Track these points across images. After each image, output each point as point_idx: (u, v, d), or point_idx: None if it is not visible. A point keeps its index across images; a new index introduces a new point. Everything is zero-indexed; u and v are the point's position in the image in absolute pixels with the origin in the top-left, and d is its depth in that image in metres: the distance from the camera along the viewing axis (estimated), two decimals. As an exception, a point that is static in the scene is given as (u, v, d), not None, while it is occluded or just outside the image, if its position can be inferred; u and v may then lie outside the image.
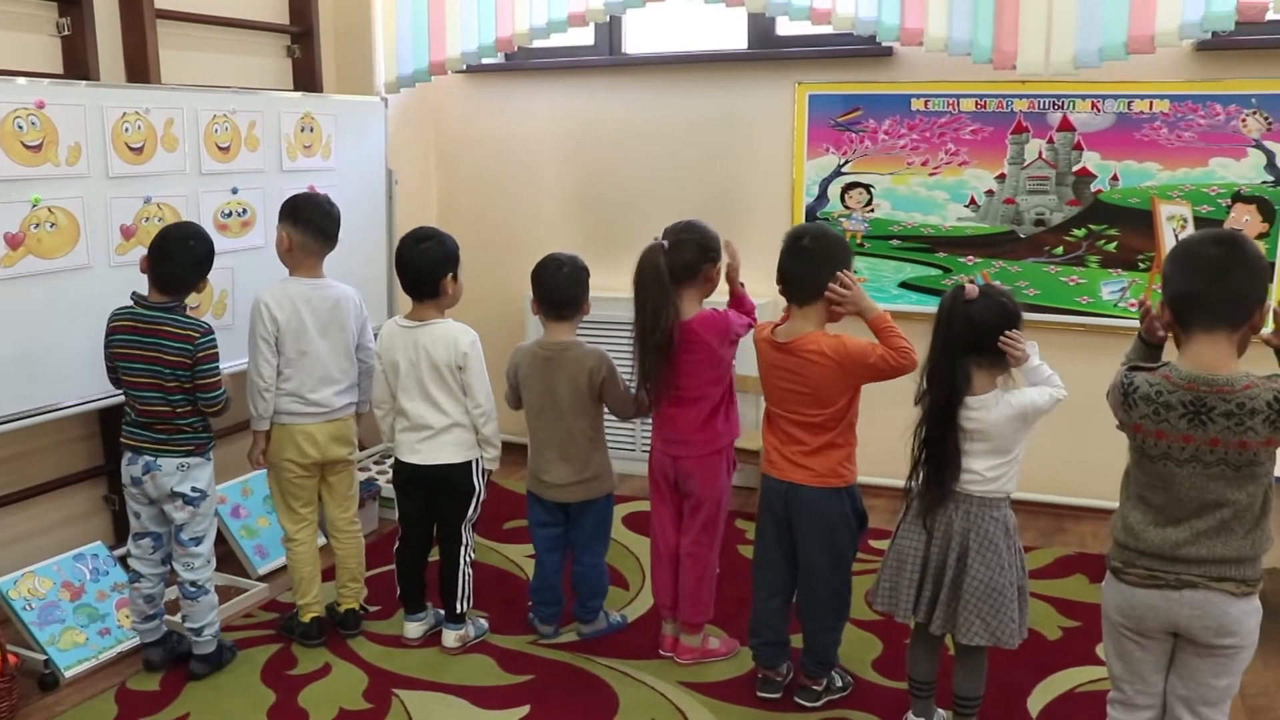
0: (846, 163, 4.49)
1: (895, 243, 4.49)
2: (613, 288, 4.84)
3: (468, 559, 3.28)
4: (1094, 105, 4.14)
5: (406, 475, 3.26)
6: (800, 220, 4.59)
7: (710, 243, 3.03)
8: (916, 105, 4.36)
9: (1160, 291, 2.19)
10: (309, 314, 3.20)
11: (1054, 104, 4.19)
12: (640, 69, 4.77)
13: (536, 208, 5.04)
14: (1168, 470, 2.12)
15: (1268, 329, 2.16)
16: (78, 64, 3.57)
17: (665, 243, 3.00)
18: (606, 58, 4.89)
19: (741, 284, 3.13)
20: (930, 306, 4.37)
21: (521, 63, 5.02)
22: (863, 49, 4.35)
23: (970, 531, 2.57)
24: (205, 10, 4.09)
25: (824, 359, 2.73)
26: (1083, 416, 3.53)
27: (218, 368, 3.00)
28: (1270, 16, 3.67)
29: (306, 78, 4.52)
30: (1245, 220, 4.03)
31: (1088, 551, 4.05)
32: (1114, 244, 4.20)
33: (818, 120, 4.50)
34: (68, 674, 3.14)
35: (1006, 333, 2.53)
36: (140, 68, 3.76)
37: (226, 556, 3.84)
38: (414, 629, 3.36)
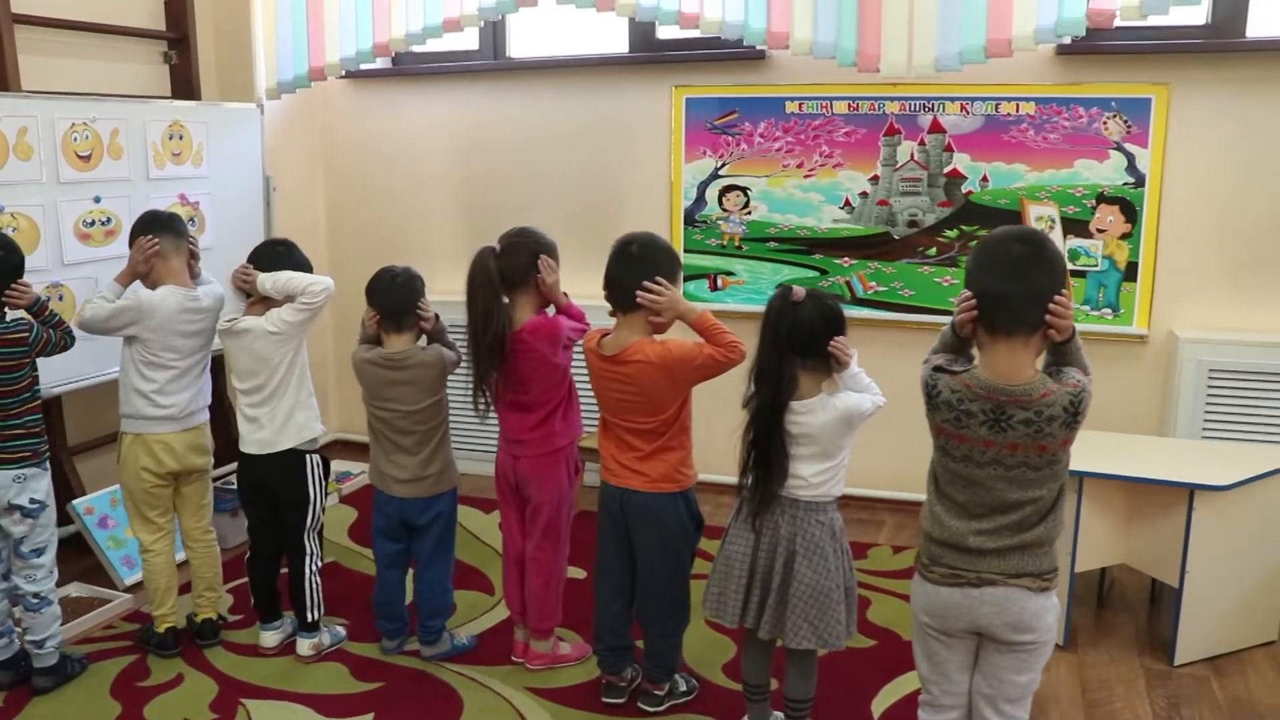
0: (723, 165, 4.53)
1: (773, 244, 4.53)
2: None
3: (314, 568, 3.28)
4: (963, 108, 4.20)
5: (244, 478, 3.27)
6: (679, 224, 4.62)
7: (545, 249, 3.05)
8: (791, 108, 4.40)
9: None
10: (177, 321, 3.19)
11: (924, 106, 4.24)
12: (524, 73, 4.79)
13: (424, 213, 5.05)
14: (969, 471, 2.17)
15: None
16: (-71, 73, 3.55)
17: (496, 247, 3.02)
18: (490, 62, 4.90)
19: (565, 294, 3.14)
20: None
21: (408, 67, 5.02)
22: (738, 52, 4.39)
23: (797, 536, 2.61)
24: (76, 16, 4.07)
25: (650, 368, 2.76)
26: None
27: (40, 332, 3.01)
28: (1120, 23, 3.75)
29: (184, 84, 4.50)
30: (1109, 220, 4.11)
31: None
32: (984, 244, 4.26)
33: (695, 123, 4.54)
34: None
35: (836, 338, 2.56)
36: (3, 75, 3.73)
37: (95, 568, 3.83)
38: (269, 638, 3.37)
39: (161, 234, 3.21)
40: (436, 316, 3.21)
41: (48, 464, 3.06)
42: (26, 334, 2.96)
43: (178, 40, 4.47)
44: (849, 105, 4.33)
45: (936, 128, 4.24)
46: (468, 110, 4.88)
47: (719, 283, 4.63)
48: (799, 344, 2.57)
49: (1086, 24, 3.72)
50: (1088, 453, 3.41)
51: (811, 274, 4.48)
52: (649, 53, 4.65)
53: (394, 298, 3.13)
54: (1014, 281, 2.08)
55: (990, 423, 2.11)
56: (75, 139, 3.69)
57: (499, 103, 4.83)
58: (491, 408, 3.08)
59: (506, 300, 3.05)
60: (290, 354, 3.19)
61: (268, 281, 3.14)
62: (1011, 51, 3.83)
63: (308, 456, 3.25)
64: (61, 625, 3.19)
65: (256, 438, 3.22)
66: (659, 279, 2.78)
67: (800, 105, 4.39)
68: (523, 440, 3.10)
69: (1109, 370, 4.18)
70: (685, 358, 2.76)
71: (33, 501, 3.01)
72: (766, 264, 4.55)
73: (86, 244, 3.72)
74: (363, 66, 4.68)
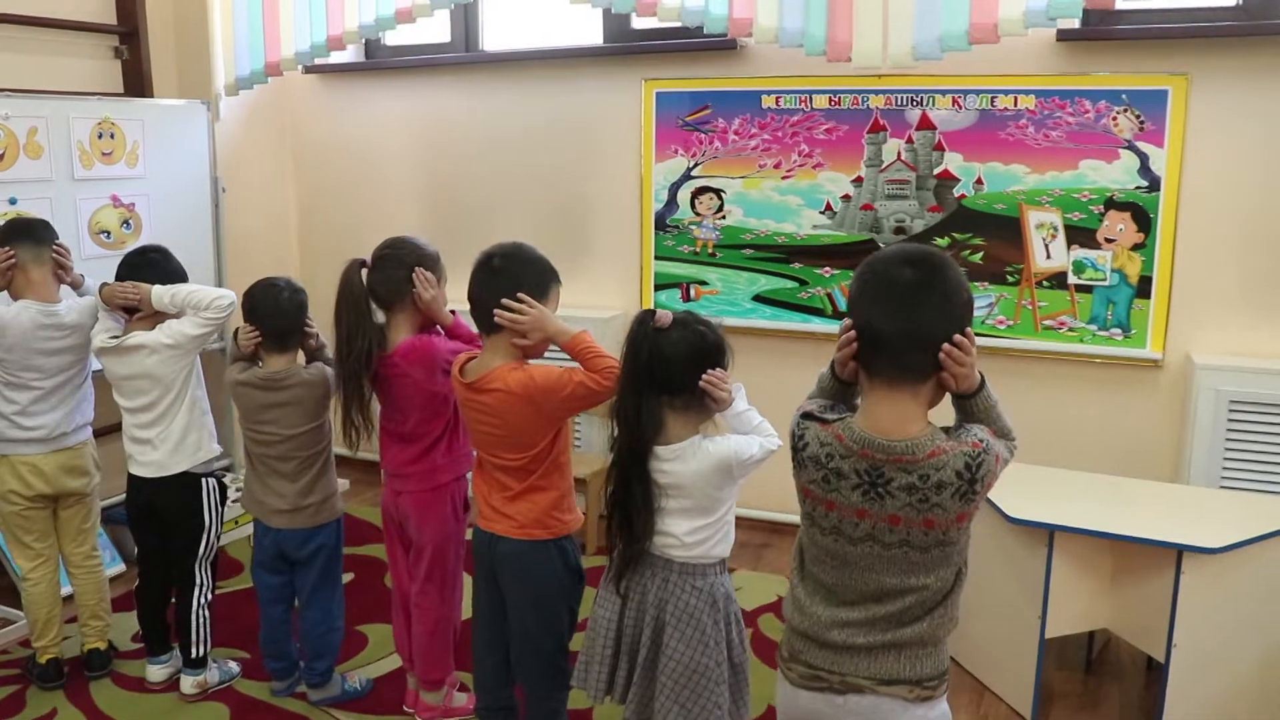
0: (696, 165, 4.17)
1: (748, 252, 4.15)
2: (460, 300, 4.60)
3: (203, 600, 3.05)
4: (955, 101, 3.76)
5: (132, 502, 3.05)
6: (649, 228, 4.28)
7: (423, 261, 2.75)
8: (767, 102, 4.01)
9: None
10: (33, 339, 2.99)
11: (912, 100, 3.82)
12: (492, 67, 4.49)
13: (392, 214, 4.78)
14: (840, 547, 1.79)
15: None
16: None
17: (365, 260, 2.74)
18: (459, 55, 4.62)
19: (453, 311, 2.83)
20: (787, 322, 4.08)
21: (377, 61, 4.78)
22: (709, 42, 4.02)
23: (667, 603, 2.24)
24: (20, 9, 3.92)
25: (511, 397, 2.42)
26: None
27: None
28: (1129, 5, 3.27)
29: (136, 80, 4.32)
30: (1120, 229, 3.63)
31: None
32: (979, 254, 3.82)
33: (666, 120, 4.18)
34: None
35: (709, 372, 2.19)
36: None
37: (7, 588, 3.67)
38: (156, 672, 3.15)
39: (20, 244, 2.98)
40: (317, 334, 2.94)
41: None
42: None
43: (129, 34, 4.29)
44: (830, 99, 3.92)
45: (926, 124, 3.81)
46: (437, 106, 4.60)
47: (691, 293, 4.27)
48: (662, 379, 2.20)
49: (1084, 5, 3.26)
50: (1068, 497, 2.99)
51: (790, 285, 4.09)
52: (617, 44, 4.30)
53: (281, 315, 2.87)
54: (897, 317, 1.70)
55: (865, 487, 1.73)
56: (-17, 139, 3.52)
57: (468, 98, 4.54)
58: (364, 438, 2.80)
59: (384, 319, 2.77)
60: (185, 370, 2.95)
61: (165, 295, 2.90)
62: (998, 37, 3.39)
63: (203, 480, 3.02)
64: None
65: (148, 459, 2.99)
66: (520, 295, 2.44)
67: (777, 99, 3.99)
68: (403, 474, 2.81)
69: (1116, 399, 3.71)
70: (551, 387, 2.40)
71: None
72: (742, 273, 4.17)
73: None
74: (320, 60, 4.45)
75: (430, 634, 2.88)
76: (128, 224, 3.99)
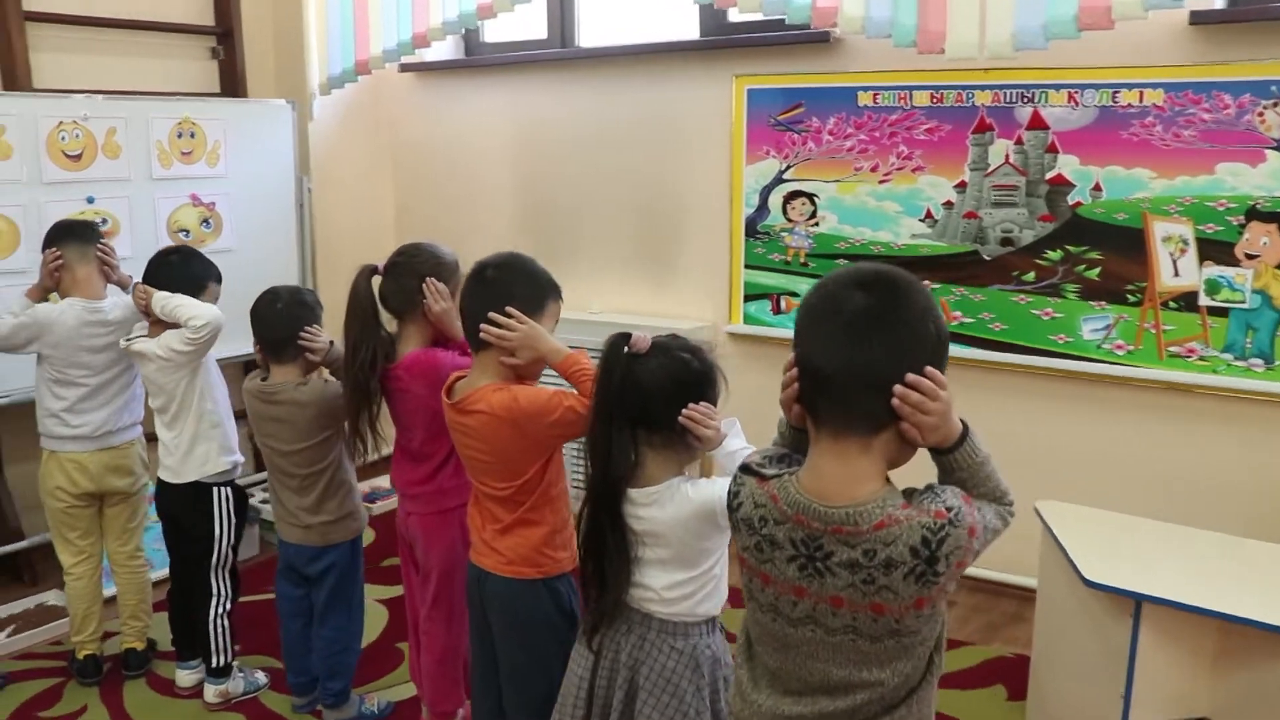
0: (788, 167, 3.86)
1: (842, 262, 3.81)
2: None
3: (220, 610, 2.98)
4: (1071, 97, 3.33)
5: (158, 506, 3.02)
6: (739, 235, 3.99)
7: (436, 270, 2.57)
8: (864, 99, 3.67)
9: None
10: (79, 336, 2.99)
11: (1023, 96, 3.41)
12: (586, 63, 4.30)
13: (486, 213, 4.66)
14: (779, 629, 1.50)
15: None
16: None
17: (378, 266, 2.59)
18: (552, 51, 4.45)
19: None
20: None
21: (473, 59, 4.67)
22: (802, 35, 3.71)
23: (641, 664, 1.98)
24: (123, 13, 4.00)
25: (493, 420, 2.22)
26: (1062, 480, 2.86)
27: None
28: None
29: (232, 81, 4.35)
30: (1264, 243, 3.13)
31: (1027, 654, 3.27)
32: (1096, 270, 3.37)
33: (757, 118, 3.89)
34: None
35: (691, 405, 1.93)
36: (12, 74, 3.69)
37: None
38: (185, 677, 3.11)
39: (65, 244, 3.00)
40: (331, 344, 2.80)
41: None
42: None
43: (225, 35, 4.33)
44: (931, 96, 3.55)
45: (1038, 123, 3.39)
46: (531, 104, 4.45)
47: (782, 304, 3.96)
48: (636, 412, 1.95)
49: (1215, -16, 2.81)
50: (1169, 559, 2.57)
51: (885, 299, 3.74)
52: (709, 37, 4.04)
53: (270, 325, 2.76)
54: (841, 351, 1.38)
55: (802, 560, 1.43)
56: (63, 138, 3.57)
57: (561, 95, 4.37)
58: (368, 453, 2.66)
59: (395, 330, 2.62)
60: (184, 382, 2.88)
61: (158, 303, 2.85)
62: (1112, 22, 2.97)
63: (215, 490, 2.95)
64: (13, 635, 3.15)
65: (166, 463, 2.96)
66: (510, 310, 2.23)
67: (874, 96, 3.65)
68: (412, 495, 2.65)
69: (1251, 443, 3.20)
70: (538, 411, 2.18)
71: None
72: (835, 285, 3.84)
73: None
74: (410, 58, 4.36)
75: (438, 663, 2.71)
76: (207, 223, 4.01)
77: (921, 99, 3.57)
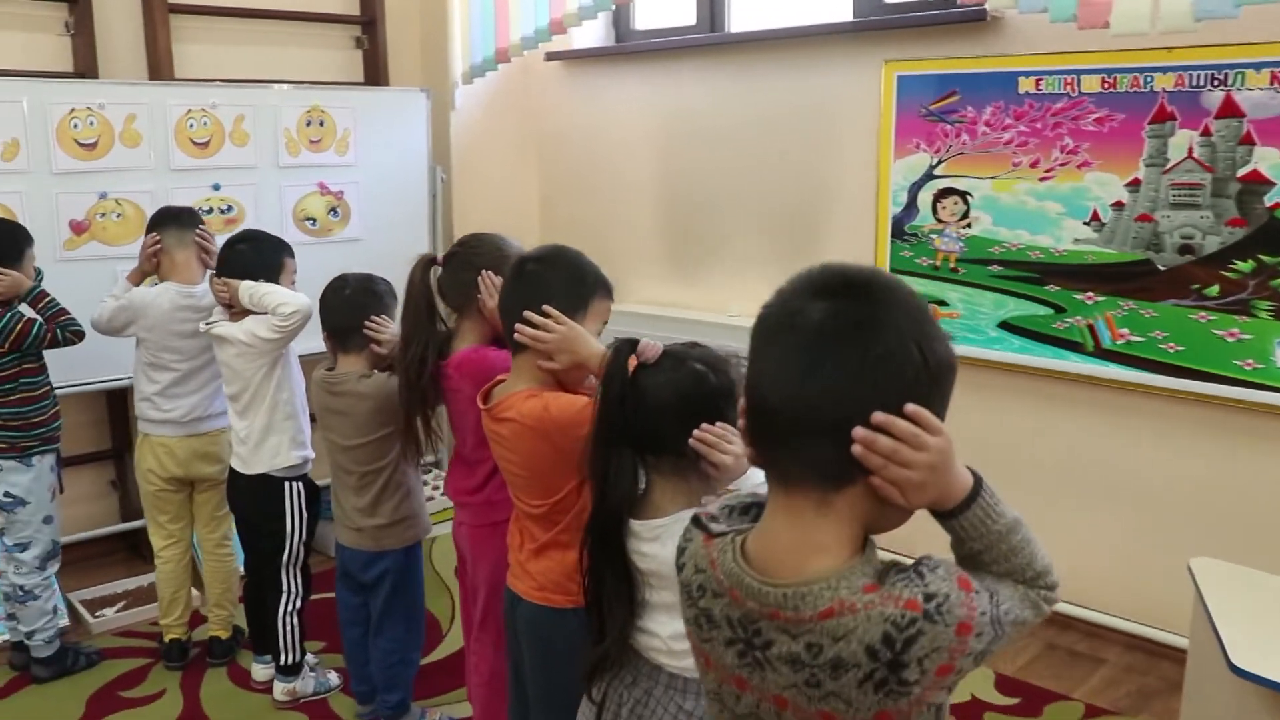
0: (939, 162, 3.46)
1: (995, 268, 3.39)
2: (686, 304, 4.20)
3: (290, 608, 2.90)
4: (1275, 78, 2.81)
5: (230, 496, 2.99)
6: (885, 236, 3.62)
7: (493, 263, 2.37)
8: (1025, 86, 3.23)
9: None
10: (171, 320, 2.98)
11: (1213, 78, 2.91)
12: (730, 49, 4.02)
13: (629, 206, 4.43)
14: (722, 718, 1.23)
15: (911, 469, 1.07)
16: (82, 62, 3.63)
17: (436, 256, 2.42)
18: (696, 37, 4.19)
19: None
20: (1038, 357, 3.29)
21: (619, 46, 4.47)
22: (957, 13, 3.32)
23: None
24: (264, 5, 4.05)
25: (523, 430, 2.00)
26: (1236, 533, 2.65)
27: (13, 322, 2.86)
28: None
29: (374, 70, 4.33)
30: None
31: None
32: (1297, 285, 2.85)
33: (907, 108, 3.51)
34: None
35: (705, 426, 1.64)
36: (157, 64, 3.76)
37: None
38: (259, 670, 3.06)
39: (165, 229, 3.01)
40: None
41: (33, 461, 2.95)
42: (20, 329, 2.86)
43: (369, 24, 4.30)
44: (1102, 81, 3.09)
45: (1230, 109, 2.89)
46: (675, 92, 4.20)
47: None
48: (640, 432, 1.68)
49: None
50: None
51: (1044, 311, 3.30)
52: (859, 19, 3.69)
53: (335, 312, 2.64)
54: (790, 379, 1.06)
55: (741, 646, 1.13)
56: (191, 125, 3.60)
57: (703, 84, 4.11)
58: (423, 456, 2.50)
59: (453, 325, 2.45)
60: (262, 370, 2.81)
61: (245, 294, 2.78)
62: (1318, -13, 2.46)
63: (286, 484, 2.87)
64: (121, 611, 3.26)
65: (238, 452, 2.90)
66: (547, 309, 2.00)
67: (1037, 82, 3.21)
68: (463, 504, 2.47)
69: None
70: (570, 421, 1.94)
71: (8, 495, 2.92)
72: (987, 293, 3.42)
73: (201, 231, 3.63)
74: (548, 46, 4.22)
75: (485, 685, 2.51)
76: (335, 211, 3.98)
77: (1091, 84, 3.11)
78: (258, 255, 2.85)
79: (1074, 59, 3.12)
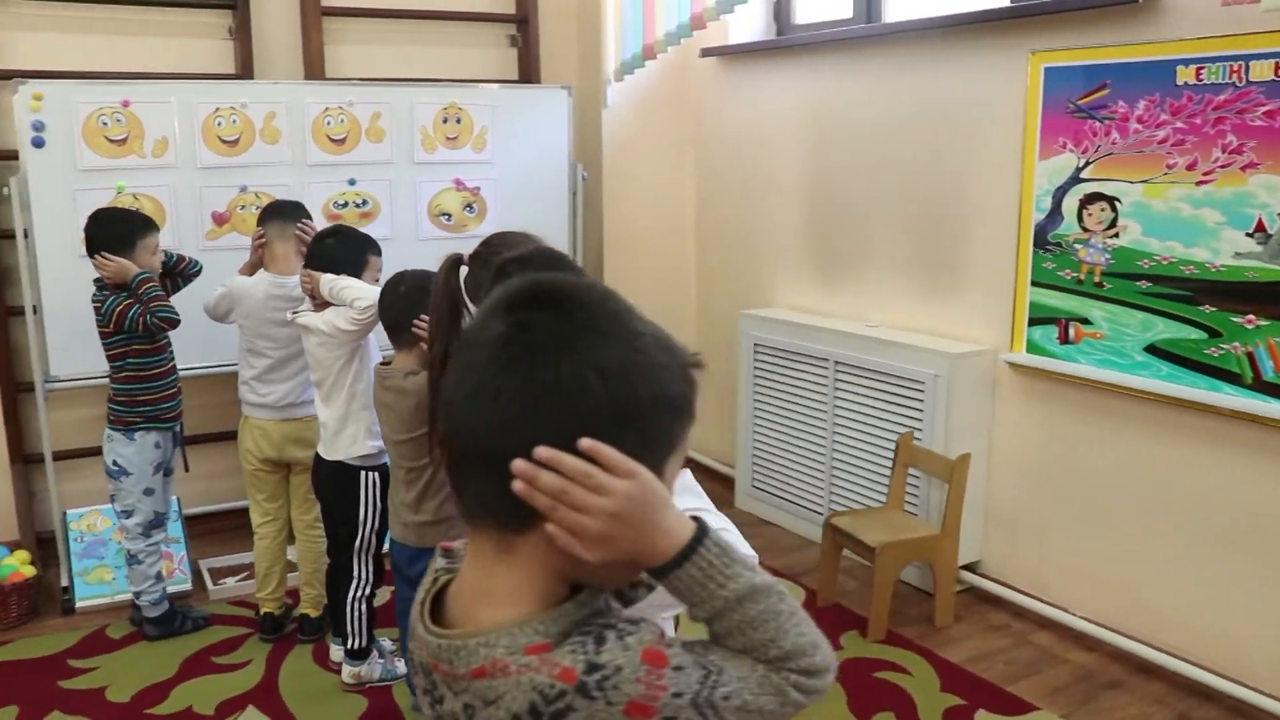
0: (1086, 164, 3.09)
1: (1144, 284, 2.98)
2: (827, 312, 3.98)
3: (359, 594, 2.94)
4: None
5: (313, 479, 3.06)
6: (1027, 246, 3.28)
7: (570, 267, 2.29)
8: (1184, 76, 2.83)
9: None
10: (265, 309, 3.11)
11: (1407, 66, 2.43)
12: (874, 44, 3.74)
13: (779, 207, 4.23)
14: None
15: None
16: (242, 65, 3.85)
17: (463, 256, 2.36)
18: (840, 31, 3.93)
19: None
20: (1187, 387, 2.89)
21: (774, 41, 4.27)
22: (1109, -3, 2.95)
23: None
24: (420, 5, 4.16)
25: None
26: None
27: (114, 305, 3.03)
28: None
29: (528, 67, 4.35)
30: None
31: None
32: None
33: (1054, 104, 3.15)
34: (81, 604, 3.45)
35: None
36: (311, 65, 3.94)
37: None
38: (335, 652, 3.13)
39: (269, 222, 3.15)
40: None
41: (135, 435, 3.13)
42: (99, 305, 3.05)
43: (522, 23, 4.33)
44: (1276, 67, 2.65)
45: None
46: (826, 89, 3.97)
47: (1070, 333, 3.20)
48: None
49: None
50: None
51: (1197, 335, 2.87)
52: (1005, 5, 3.35)
53: (389, 309, 2.63)
54: (461, 402, 0.92)
55: (430, 698, 0.99)
56: (328, 123, 3.73)
57: (849, 80, 3.86)
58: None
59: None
60: (341, 360, 2.86)
61: (325, 286, 2.85)
62: None
63: (362, 473, 2.91)
64: (243, 581, 3.46)
65: (322, 438, 2.98)
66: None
67: (1197, 72, 2.80)
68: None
69: None
70: None
71: (115, 464, 3.13)
72: (1135, 312, 3.02)
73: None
74: (685, 42, 4.08)
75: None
76: (471, 207, 4.02)
77: (1261, 72, 2.67)
78: (342, 250, 2.91)
79: (1241, 42, 2.69)
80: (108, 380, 3.17)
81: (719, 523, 1.53)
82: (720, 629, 0.93)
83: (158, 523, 3.24)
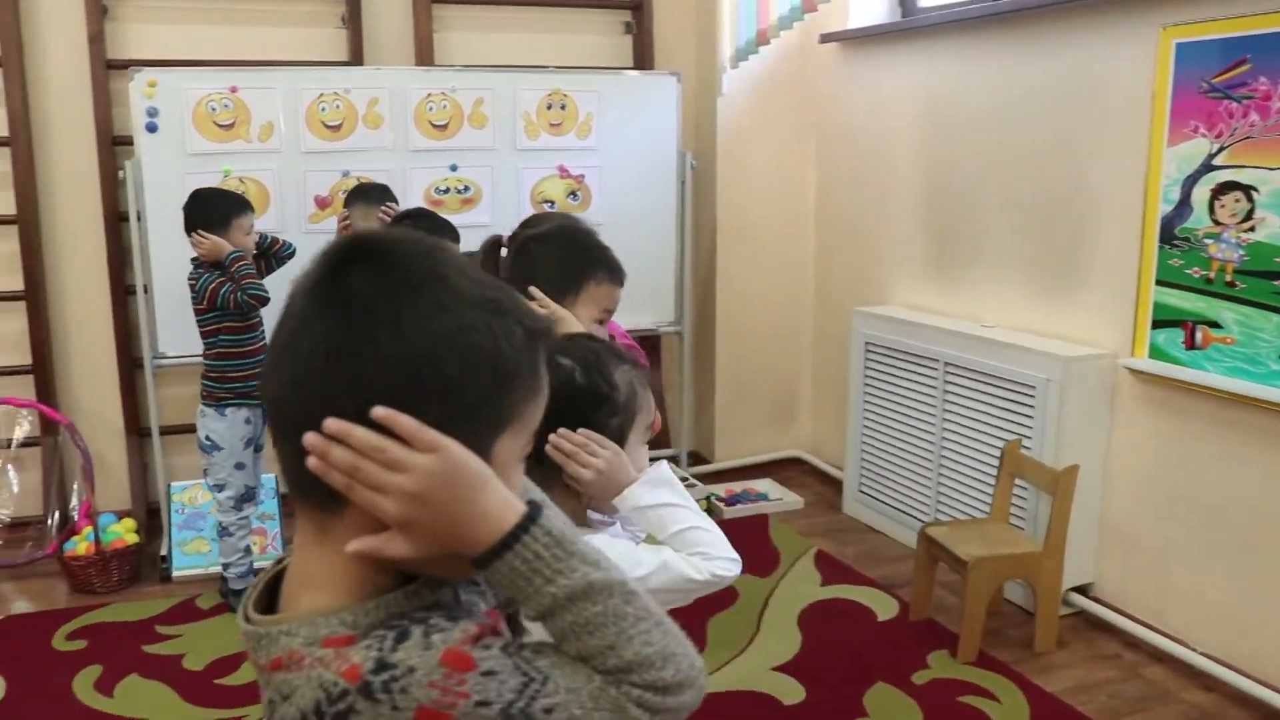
0: (1220, 149, 2.78)
1: (1280, 285, 2.66)
2: (940, 311, 3.74)
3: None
4: None
5: None
6: (1152, 239, 2.98)
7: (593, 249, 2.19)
8: (1332, 49, 2.51)
9: None
10: None
11: None
12: (995, 24, 3.47)
13: (895, 202, 4.01)
14: None
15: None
16: (353, 52, 3.90)
17: (503, 236, 2.28)
18: (963, 10, 3.66)
19: (604, 317, 2.21)
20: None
21: (895, 24, 4.04)
22: (1249, -40, 2.64)
23: None
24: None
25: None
26: None
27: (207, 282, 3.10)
28: None
29: (643, 54, 4.26)
30: None
31: None
32: None
33: (1186, 83, 2.85)
34: (177, 573, 3.56)
35: (562, 431, 1.39)
36: (420, 51, 3.96)
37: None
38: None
39: (353, 204, 3.18)
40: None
41: (226, 411, 3.19)
42: (193, 283, 3.12)
43: (636, 9, 4.24)
44: None
45: None
46: (941, 75, 3.73)
47: (1198, 337, 2.88)
48: None
49: None
50: None
51: (1340, 343, 2.54)
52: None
53: None
54: (273, 361, 0.85)
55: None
56: (430, 108, 3.73)
57: (972, 63, 3.60)
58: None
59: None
60: None
61: None
62: None
63: None
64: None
65: None
66: (535, 290, 1.83)
67: (1347, 43, 2.47)
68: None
69: None
70: None
71: (207, 439, 3.21)
72: (1271, 315, 2.69)
73: (438, 210, 3.74)
74: (798, 26, 3.91)
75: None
76: (575, 195, 3.96)
77: None
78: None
79: (1397, 11, 2.36)
80: (202, 357, 3.25)
81: (694, 520, 1.41)
82: (553, 630, 0.83)
83: (249, 497, 3.30)
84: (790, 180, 4.41)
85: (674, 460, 4.30)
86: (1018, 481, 3.21)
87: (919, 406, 3.68)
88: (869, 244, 4.17)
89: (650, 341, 4.33)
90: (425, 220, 2.96)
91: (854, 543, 3.79)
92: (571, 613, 0.81)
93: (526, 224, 2.31)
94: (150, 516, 3.81)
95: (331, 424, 0.78)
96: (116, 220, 3.71)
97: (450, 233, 2.95)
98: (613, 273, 1.92)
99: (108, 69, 3.64)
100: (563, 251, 1.90)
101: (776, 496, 4.15)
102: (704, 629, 3.09)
